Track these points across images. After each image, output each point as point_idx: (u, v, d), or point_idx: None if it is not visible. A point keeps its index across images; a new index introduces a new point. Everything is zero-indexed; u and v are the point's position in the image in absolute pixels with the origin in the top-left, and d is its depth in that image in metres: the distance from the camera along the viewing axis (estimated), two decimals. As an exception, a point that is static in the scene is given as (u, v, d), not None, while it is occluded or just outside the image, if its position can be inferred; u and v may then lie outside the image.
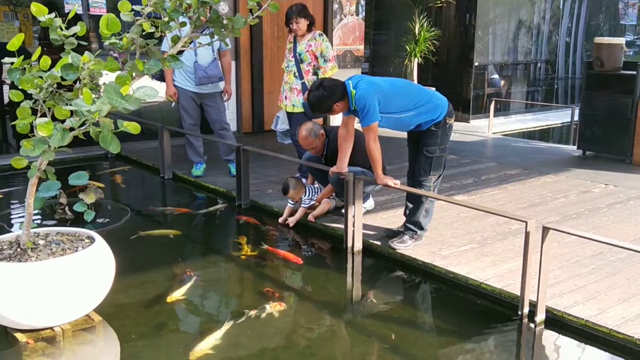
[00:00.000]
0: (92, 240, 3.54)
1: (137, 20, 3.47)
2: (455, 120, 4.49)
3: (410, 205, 4.51)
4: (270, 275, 4.37)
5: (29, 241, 3.33)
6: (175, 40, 3.77)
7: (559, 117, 11.35)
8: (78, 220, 5.09)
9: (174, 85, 6.24)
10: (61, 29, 3.41)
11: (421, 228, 4.49)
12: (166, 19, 3.65)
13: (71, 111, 3.12)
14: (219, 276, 4.41)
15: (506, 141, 9.14)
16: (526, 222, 3.47)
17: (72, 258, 3.28)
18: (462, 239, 4.69)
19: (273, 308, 3.73)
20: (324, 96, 4.17)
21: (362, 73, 10.06)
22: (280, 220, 5.17)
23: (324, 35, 6.00)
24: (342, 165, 4.56)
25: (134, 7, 3.49)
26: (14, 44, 3.21)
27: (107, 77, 3.36)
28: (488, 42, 10.81)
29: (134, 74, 3.51)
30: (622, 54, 7.49)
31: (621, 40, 7.58)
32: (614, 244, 3.30)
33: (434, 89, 4.69)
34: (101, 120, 3.12)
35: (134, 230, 5.05)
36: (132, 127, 3.20)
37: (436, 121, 4.29)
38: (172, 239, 4.97)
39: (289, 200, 5.17)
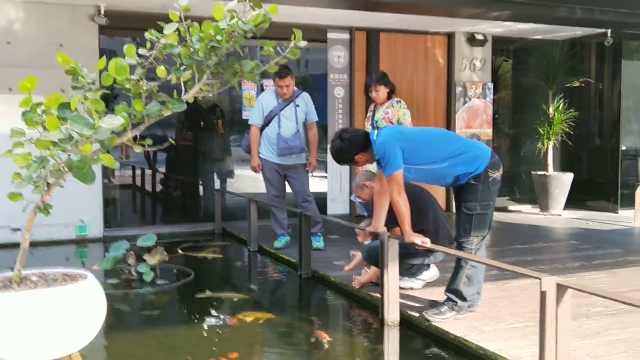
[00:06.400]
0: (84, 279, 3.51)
1: (140, 63, 3.57)
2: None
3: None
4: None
5: (16, 274, 3.39)
6: (191, 86, 3.80)
7: None
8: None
9: (259, 157, 6.31)
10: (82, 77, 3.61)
11: (463, 299, 3.87)
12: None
13: (54, 143, 3.21)
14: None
15: (653, 231, 7.88)
16: (540, 279, 2.82)
17: (48, 292, 3.26)
18: (520, 316, 3.97)
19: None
20: (343, 148, 3.90)
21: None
22: (345, 269, 4.92)
23: (403, 102, 5.76)
24: (378, 224, 4.16)
25: (139, 51, 3.61)
26: (25, 85, 3.44)
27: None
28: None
29: (143, 117, 3.61)
30: None
31: None
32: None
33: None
34: (80, 150, 3.16)
35: (193, 292, 5.03)
36: (108, 160, 3.21)
37: (475, 174, 3.78)
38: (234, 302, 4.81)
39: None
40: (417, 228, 4.07)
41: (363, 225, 4.78)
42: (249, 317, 4.24)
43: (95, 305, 3.45)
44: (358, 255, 4.83)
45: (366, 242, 4.70)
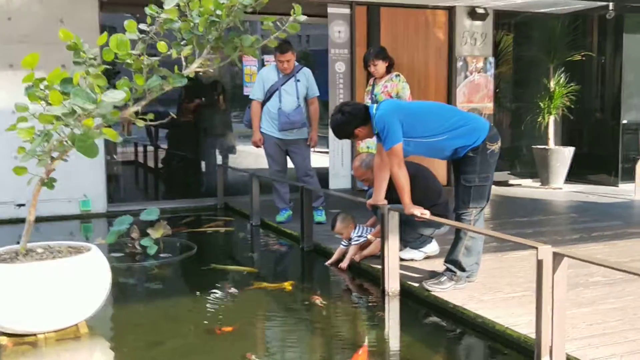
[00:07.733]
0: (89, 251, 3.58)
1: (141, 38, 3.60)
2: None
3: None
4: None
5: (22, 247, 3.46)
6: (191, 61, 3.83)
7: None
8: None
9: (261, 132, 6.34)
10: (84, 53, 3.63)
11: (462, 269, 3.94)
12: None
13: (57, 117, 3.25)
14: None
15: (653, 203, 7.92)
16: (537, 248, 2.87)
17: (53, 263, 3.33)
18: (518, 286, 4.03)
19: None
20: (343, 121, 3.93)
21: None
22: (327, 262, 4.89)
23: (402, 76, 5.78)
24: (378, 196, 4.21)
25: (140, 26, 3.63)
26: (28, 61, 3.45)
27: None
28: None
29: (145, 92, 3.64)
30: None
31: None
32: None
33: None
34: (82, 125, 3.20)
35: (197, 265, 5.16)
36: (110, 134, 3.25)
37: (473, 146, 3.82)
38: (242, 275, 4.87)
39: (342, 242, 4.88)
40: (429, 204, 4.12)
41: (339, 228, 4.82)
42: (270, 286, 4.39)
43: (99, 275, 3.53)
44: (339, 249, 4.90)
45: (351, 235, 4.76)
